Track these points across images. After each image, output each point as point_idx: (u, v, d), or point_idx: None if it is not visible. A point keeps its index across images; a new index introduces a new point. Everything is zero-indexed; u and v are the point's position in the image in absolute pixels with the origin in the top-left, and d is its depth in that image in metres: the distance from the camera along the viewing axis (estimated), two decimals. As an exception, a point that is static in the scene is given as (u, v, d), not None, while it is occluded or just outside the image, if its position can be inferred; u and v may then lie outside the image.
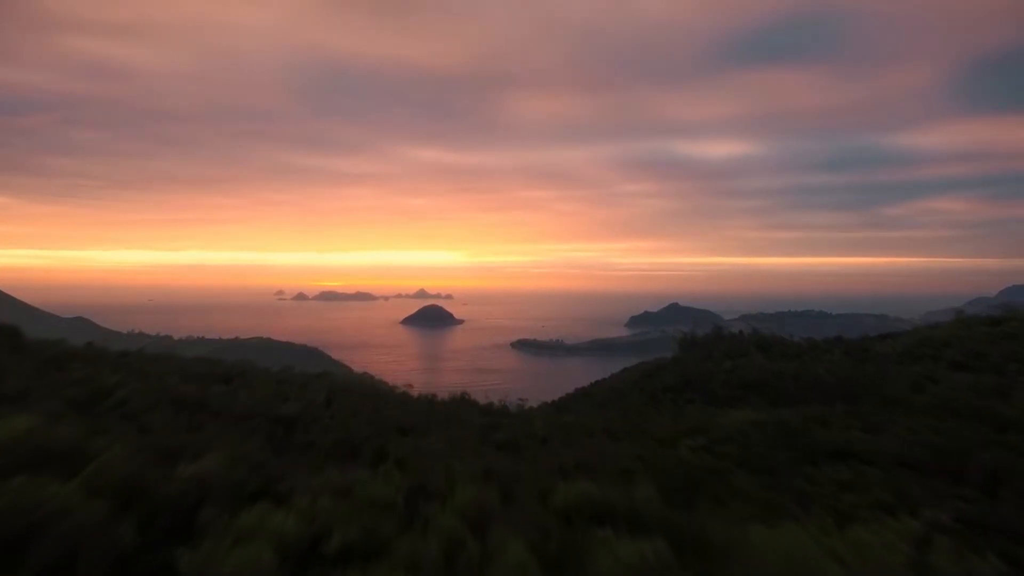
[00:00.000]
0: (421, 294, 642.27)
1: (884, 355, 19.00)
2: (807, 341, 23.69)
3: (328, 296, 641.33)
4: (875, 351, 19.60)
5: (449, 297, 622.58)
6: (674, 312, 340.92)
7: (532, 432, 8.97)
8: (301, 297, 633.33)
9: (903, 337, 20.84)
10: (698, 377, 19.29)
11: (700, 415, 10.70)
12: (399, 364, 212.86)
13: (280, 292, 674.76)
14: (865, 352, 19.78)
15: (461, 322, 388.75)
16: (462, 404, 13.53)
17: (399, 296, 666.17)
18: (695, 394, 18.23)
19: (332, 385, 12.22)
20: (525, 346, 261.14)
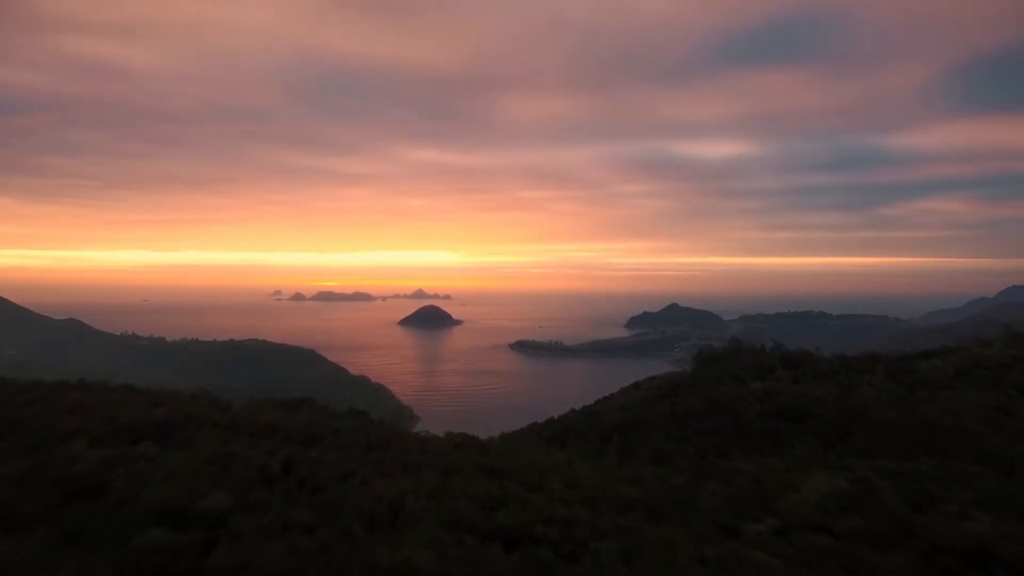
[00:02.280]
0: (419, 294, 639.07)
1: (933, 379, 16.94)
2: (838, 358, 21.57)
3: (326, 296, 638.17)
4: (922, 373, 17.53)
5: (447, 297, 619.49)
6: (673, 313, 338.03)
7: (551, 514, 6.87)
8: (299, 297, 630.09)
9: (950, 355, 18.75)
10: (726, 402, 17.16)
11: (757, 476, 8.65)
12: (397, 366, 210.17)
13: (277, 292, 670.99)
14: (910, 374, 17.69)
15: (459, 323, 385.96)
16: (457, 450, 11.44)
17: (397, 296, 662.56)
18: (724, 422, 16.16)
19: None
20: (524, 347, 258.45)
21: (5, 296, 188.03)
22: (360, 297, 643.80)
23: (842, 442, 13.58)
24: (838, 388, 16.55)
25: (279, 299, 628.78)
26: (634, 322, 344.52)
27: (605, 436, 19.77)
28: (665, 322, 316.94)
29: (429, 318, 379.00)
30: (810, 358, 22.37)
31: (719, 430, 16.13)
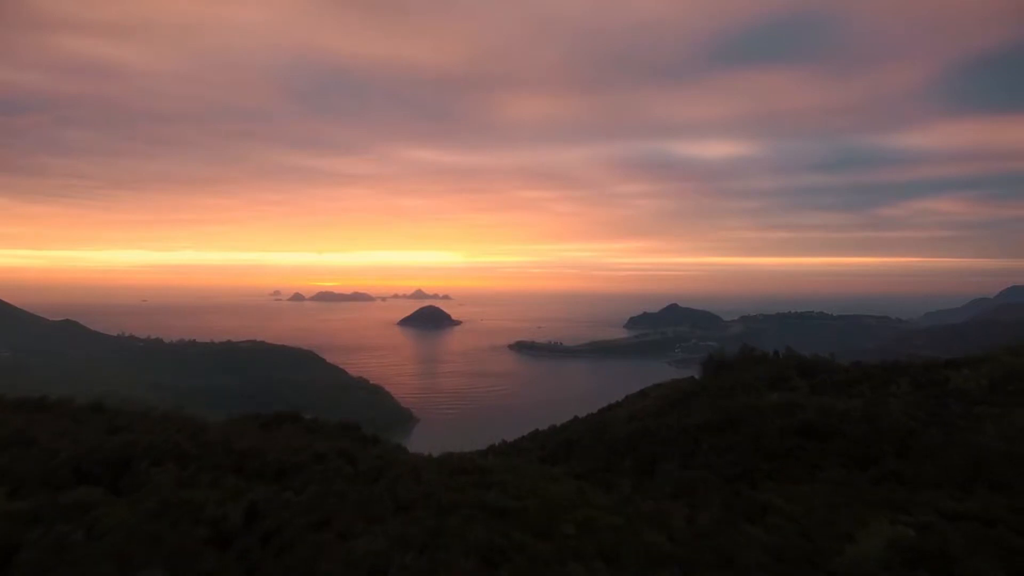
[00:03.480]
0: (419, 295, 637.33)
1: (966, 391, 15.81)
2: (856, 366, 20.43)
3: (325, 297, 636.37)
4: (953, 384, 16.41)
5: (447, 298, 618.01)
6: (673, 313, 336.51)
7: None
8: (298, 298, 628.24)
9: (980, 365, 17.64)
10: (743, 416, 15.99)
11: (798, 518, 7.51)
12: (397, 367, 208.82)
13: (276, 293, 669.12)
14: (939, 386, 16.58)
15: (459, 323, 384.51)
16: (455, 478, 10.27)
17: (396, 296, 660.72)
18: (742, 439, 15.02)
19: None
20: (524, 348, 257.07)
21: (0, 297, 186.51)
22: (359, 297, 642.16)
23: (875, 464, 12.44)
24: (864, 402, 15.39)
25: (278, 299, 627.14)
26: (634, 323, 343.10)
27: (612, 450, 18.63)
28: (665, 323, 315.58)
29: (428, 319, 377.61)
30: (826, 366, 21.25)
31: (736, 447, 14.97)
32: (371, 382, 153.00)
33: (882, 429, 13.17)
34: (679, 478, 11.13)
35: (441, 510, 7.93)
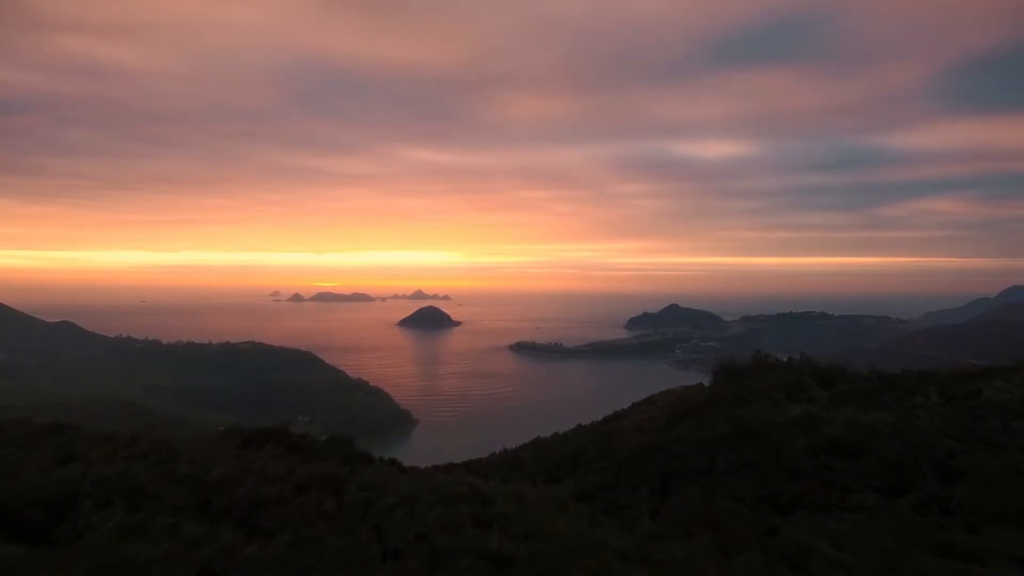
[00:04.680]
0: (418, 295, 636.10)
1: (1001, 404, 14.86)
2: (878, 375, 19.45)
3: (324, 297, 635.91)
4: (986, 396, 15.47)
5: (447, 298, 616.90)
6: (673, 313, 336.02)
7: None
8: (297, 298, 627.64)
9: (1013, 376, 16.63)
10: (761, 430, 15.02)
11: (849, 566, 6.46)
12: (396, 368, 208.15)
13: (276, 293, 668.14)
14: (971, 398, 15.62)
15: (459, 324, 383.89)
16: (453, 510, 9.19)
17: (396, 297, 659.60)
18: (761, 456, 14.02)
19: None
20: (524, 349, 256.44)
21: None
22: (359, 298, 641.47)
23: (913, 488, 11.35)
24: (893, 416, 14.32)
25: (278, 300, 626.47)
26: (634, 323, 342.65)
27: (620, 465, 17.58)
28: (665, 323, 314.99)
29: (428, 319, 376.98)
30: (845, 373, 20.19)
31: (755, 465, 13.85)
32: (370, 384, 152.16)
33: (917, 447, 12.09)
34: (701, 510, 10.05)
35: (435, 558, 6.79)
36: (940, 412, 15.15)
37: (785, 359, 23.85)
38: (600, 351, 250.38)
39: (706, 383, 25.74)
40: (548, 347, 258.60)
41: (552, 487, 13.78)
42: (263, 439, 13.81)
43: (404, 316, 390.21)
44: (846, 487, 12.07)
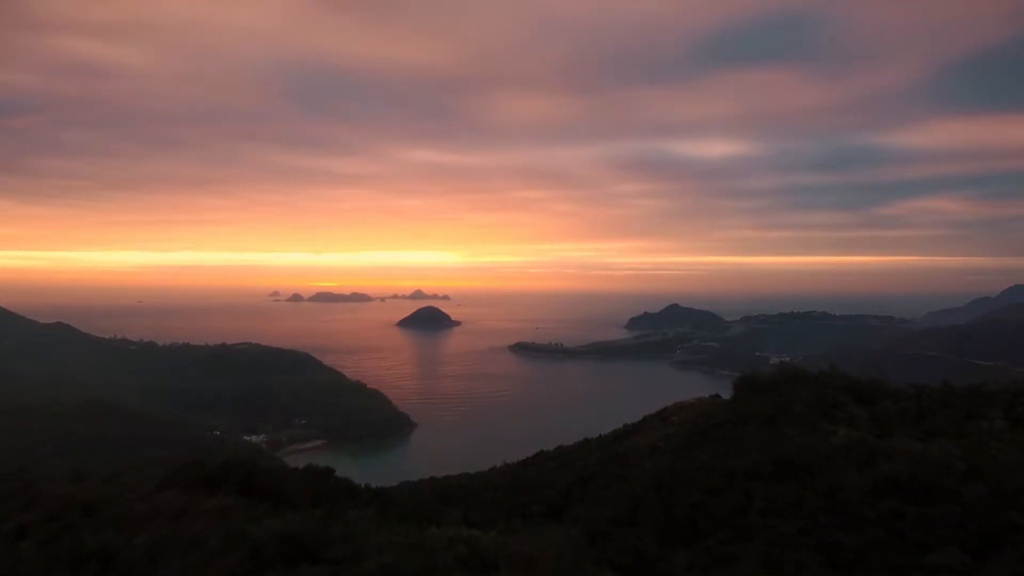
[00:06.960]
0: (418, 295, 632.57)
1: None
2: (921, 389, 17.28)
3: (324, 297, 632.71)
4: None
5: (446, 298, 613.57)
6: (674, 313, 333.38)
7: None
8: (296, 298, 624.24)
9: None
10: (806, 462, 12.93)
11: None
12: (395, 370, 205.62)
13: (275, 293, 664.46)
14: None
15: (458, 324, 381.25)
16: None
17: (395, 297, 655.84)
18: (808, 494, 12.01)
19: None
20: (524, 349, 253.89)
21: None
22: (358, 298, 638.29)
23: (1003, 542, 9.33)
24: (961, 448, 12.22)
25: (277, 300, 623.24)
26: (634, 323, 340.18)
27: (635, 496, 15.49)
28: (666, 323, 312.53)
29: (428, 319, 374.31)
30: (882, 389, 18.16)
31: (802, 505, 11.83)
32: (368, 386, 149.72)
33: (1005, 491, 10.04)
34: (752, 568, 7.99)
35: None
36: (1013, 440, 13.17)
37: (791, 360, 21.95)
38: (600, 352, 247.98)
39: (710, 383, 23.76)
40: (548, 348, 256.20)
41: (565, 540, 11.61)
42: (220, 479, 11.73)
43: (403, 316, 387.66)
44: (922, 542, 10.01)
